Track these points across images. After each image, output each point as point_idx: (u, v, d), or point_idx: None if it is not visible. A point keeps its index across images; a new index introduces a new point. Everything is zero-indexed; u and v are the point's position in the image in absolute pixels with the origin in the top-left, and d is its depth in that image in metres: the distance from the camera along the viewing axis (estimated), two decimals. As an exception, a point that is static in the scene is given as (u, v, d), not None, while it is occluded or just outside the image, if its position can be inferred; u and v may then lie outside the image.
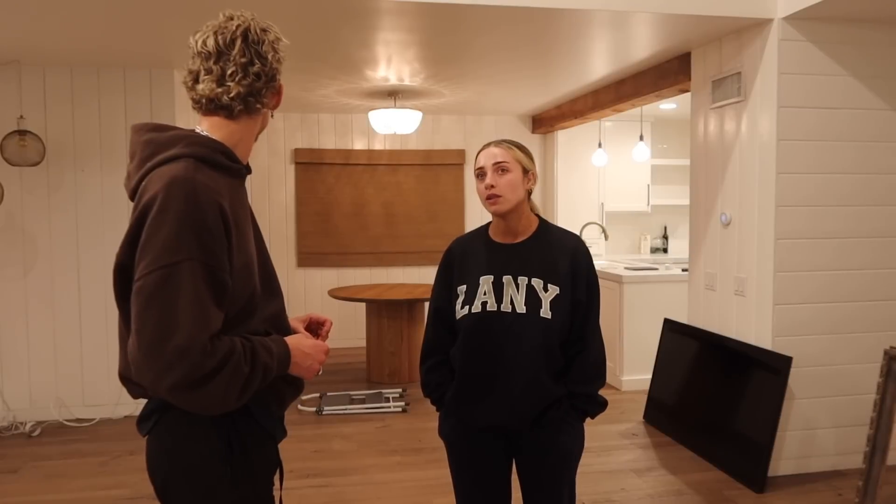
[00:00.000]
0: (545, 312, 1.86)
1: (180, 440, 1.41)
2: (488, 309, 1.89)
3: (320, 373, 1.57)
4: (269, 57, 1.46)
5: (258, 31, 1.46)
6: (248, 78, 1.43)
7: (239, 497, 1.42)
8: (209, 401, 1.29)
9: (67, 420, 4.61)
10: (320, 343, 1.56)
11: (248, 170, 1.52)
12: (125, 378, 1.43)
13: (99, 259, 4.65)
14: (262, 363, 1.36)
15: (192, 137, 1.40)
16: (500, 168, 1.90)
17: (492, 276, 1.91)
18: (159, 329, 1.24)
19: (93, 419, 4.63)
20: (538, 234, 1.97)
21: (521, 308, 1.87)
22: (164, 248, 1.26)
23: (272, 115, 1.58)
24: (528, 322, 1.86)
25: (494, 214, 1.95)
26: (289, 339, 1.48)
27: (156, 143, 1.39)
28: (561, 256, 1.92)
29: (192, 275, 1.26)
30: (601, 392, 1.97)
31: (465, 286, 1.95)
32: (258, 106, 1.46)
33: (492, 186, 1.89)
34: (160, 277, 1.25)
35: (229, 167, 1.43)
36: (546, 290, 1.88)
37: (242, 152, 1.48)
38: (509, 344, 1.87)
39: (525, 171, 1.93)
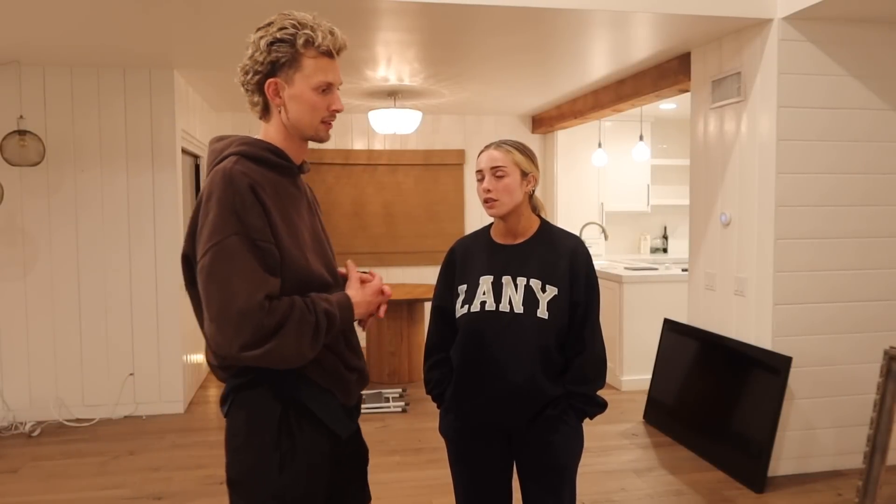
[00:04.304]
0: (542, 312, 1.87)
1: (242, 423, 1.53)
2: (487, 308, 1.90)
3: (382, 310, 1.67)
4: (255, 52, 1.53)
5: (266, 26, 1.54)
6: (242, 74, 1.56)
7: (284, 484, 1.50)
8: (283, 354, 1.42)
9: (67, 420, 4.61)
10: (373, 284, 1.65)
11: (299, 168, 1.64)
12: (210, 364, 1.58)
13: (99, 259, 4.65)
14: (324, 310, 1.49)
15: (241, 139, 1.56)
16: (497, 172, 1.92)
17: (492, 277, 1.93)
18: (222, 299, 1.39)
19: (93, 419, 4.63)
20: (538, 235, 1.98)
21: (518, 308, 1.88)
22: (212, 230, 1.42)
23: (326, 123, 1.61)
24: (525, 322, 1.87)
25: (492, 217, 1.97)
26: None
27: (216, 151, 1.58)
28: (560, 258, 1.93)
29: (239, 247, 1.41)
30: (601, 393, 1.98)
31: (465, 286, 1.97)
32: (257, 100, 1.57)
33: (488, 191, 1.92)
34: (213, 255, 1.41)
35: (276, 163, 1.56)
36: (544, 290, 1.89)
37: (290, 152, 1.59)
38: (506, 343, 1.88)
39: (524, 175, 1.94)
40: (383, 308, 1.68)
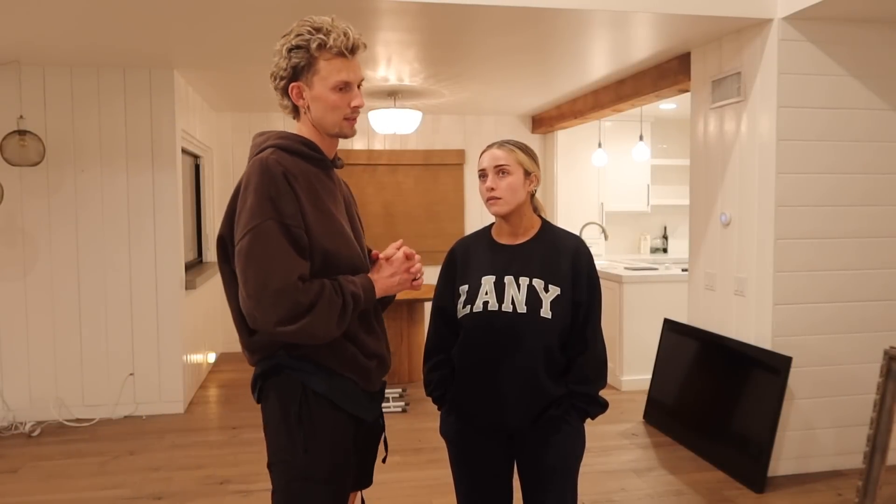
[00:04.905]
0: (545, 312, 1.87)
1: (269, 409, 1.67)
2: (489, 308, 1.89)
3: (419, 278, 1.79)
4: (279, 59, 1.66)
5: (287, 34, 1.66)
6: (272, 80, 1.70)
7: (309, 464, 1.62)
8: (313, 330, 1.55)
9: (67, 420, 4.61)
10: (397, 259, 1.76)
11: (332, 162, 1.75)
12: (242, 347, 1.71)
13: (99, 259, 4.65)
14: (350, 292, 1.61)
15: (279, 134, 1.70)
16: (501, 171, 1.92)
17: (493, 277, 1.92)
18: (259, 279, 1.53)
19: (93, 419, 4.63)
20: (540, 235, 1.98)
21: (521, 308, 1.87)
22: (250, 215, 1.56)
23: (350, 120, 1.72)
24: (529, 322, 1.87)
25: (494, 216, 1.97)
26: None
27: (256, 145, 1.71)
28: (562, 257, 1.93)
29: (274, 231, 1.54)
30: (602, 393, 1.98)
31: (467, 286, 1.96)
32: (286, 103, 1.70)
33: (492, 189, 1.92)
34: (251, 238, 1.55)
35: (309, 155, 1.68)
36: (547, 290, 1.88)
37: (322, 147, 1.72)
38: (509, 343, 1.88)
39: (527, 174, 1.94)
40: (416, 268, 1.78)
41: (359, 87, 1.71)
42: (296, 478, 1.63)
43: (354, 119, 1.71)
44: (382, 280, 1.73)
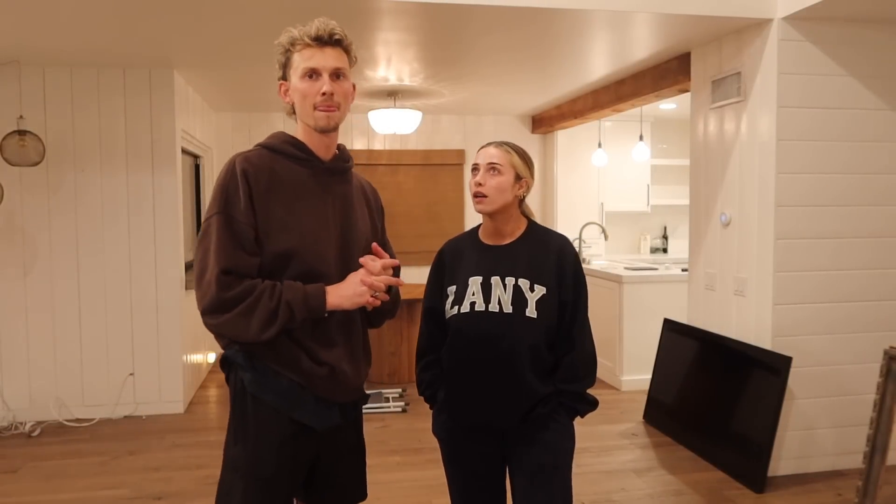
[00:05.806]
0: (531, 312, 1.89)
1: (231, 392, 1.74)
2: (476, 309, 1.92)
3: (380, 293, 1.69)
4: (277, 59, 1.71)
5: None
6: None
7: (236, 454, 1.67)
8: (235, 328, 1.58)
9: (67, 420, 4.61)
10: (351, 277, 1.69)
11: (321, 162, 1.71)
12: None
13: (98, 259, 4.65)
14: (286, 299, 1.59)
15: (273, 133, 1.75)
16: (493, 168, 1.95)
17: (480, 277, 1.95)
18: (199, 267, 1.61)
19: (93, 419, 4.63)
20: (526, 235, 2.01)
21: (507, 308, 1.90)
22: (208, 207, 1.64)
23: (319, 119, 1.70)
24: (515, 322, 1.89)
25: (479, 212, 2.00)
26: None
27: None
28: (547, 257, 1.95)
29: (219, 225, 1.60)
30: (593, 391, 1.99)
31: (454, 286, 1.99)
32: (283, 103, 1.74)
33: (480, 185, 1.95)
34: (203, 229, 1.64)
35: (292, 154, 1.70)
36: (532, 290, 1.91)
37: (313, 146, 1.71)
38: (496, 343, 1.90)
39: (518, 178, 1.97)
40: (376, 285, 1.67)
41: (337, 77, 1.66)
42: (225, 467, 1.70)
43: (327, 109, 1.64)
44: (337, 289, 1.65)
